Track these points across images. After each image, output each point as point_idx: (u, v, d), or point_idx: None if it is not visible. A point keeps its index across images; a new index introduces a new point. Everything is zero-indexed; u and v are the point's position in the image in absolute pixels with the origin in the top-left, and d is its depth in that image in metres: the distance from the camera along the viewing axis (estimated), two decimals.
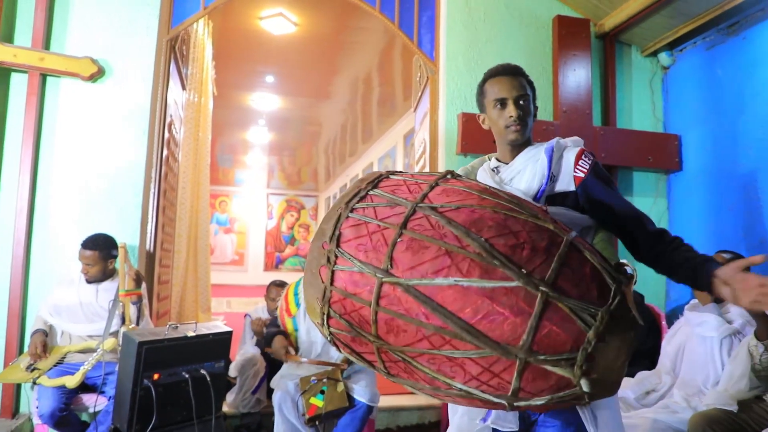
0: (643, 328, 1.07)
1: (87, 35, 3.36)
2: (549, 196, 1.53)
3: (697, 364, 2.67)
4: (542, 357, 0.96)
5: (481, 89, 1.64)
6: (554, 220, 1.11)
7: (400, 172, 1.34)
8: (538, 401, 1.00)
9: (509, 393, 1.00)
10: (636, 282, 1.09)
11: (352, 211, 1.16)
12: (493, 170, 1.63)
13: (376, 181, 1.25)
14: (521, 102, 1.56)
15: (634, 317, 1.00)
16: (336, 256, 1.11)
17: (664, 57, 4.13)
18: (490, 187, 1.22)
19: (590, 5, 3.95)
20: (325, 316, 1.14)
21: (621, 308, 0.98)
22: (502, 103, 1.57)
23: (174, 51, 3.68)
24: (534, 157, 1.56)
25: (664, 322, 3.37)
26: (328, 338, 1.19)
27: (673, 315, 3.67)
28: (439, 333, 0.99)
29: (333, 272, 1.11)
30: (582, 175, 1.51)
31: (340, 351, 1.22)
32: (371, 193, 1.20)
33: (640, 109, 4.18)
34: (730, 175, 3.57)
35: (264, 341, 2.93)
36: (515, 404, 1.02)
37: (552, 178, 1.53)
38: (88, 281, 2.93)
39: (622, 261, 1.07)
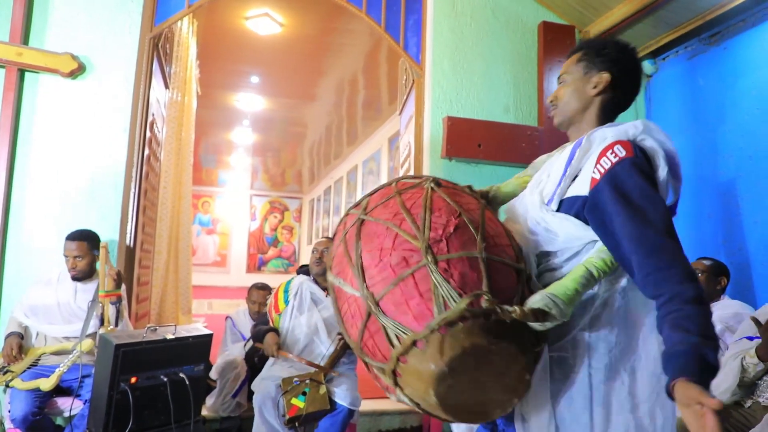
0: (485, 362, 1.03)
1: (67, 30, 3.29)
2: (563, 200, 1.28)
3: None
4: (368, 359, 1.15)
5: None
6: (441, 239, 1.13)
7: (407, 178, 1.41)
8: (392, 397, 1.16)
9: (374, 379, 1.20)
10: (505, 315, 1.01)
11: (345, 215, 1.40)
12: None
13: (377, 190, 1.41)
14: (559, 85, 1.44)
15: (440, 354, 1.01)
16: (362, 220, 1.35)
17: (647, 65, 4.17)
18: (437, 199, 1.25)
19: (575, 12, 3.98)
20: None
21: (429, 339, 1.02)
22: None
23: (157, 49, 3.62)
24: (567, 149, 1.36)
25: None
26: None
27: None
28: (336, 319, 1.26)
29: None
30: (597, 176, 1.19)
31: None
32: (362, 202, 1.40)
33: (623, 116, 4.18)
34: (710, 183, 3.61)
35: (255, 337, 2.93)
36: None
37: (575, 177, 1.27)
38: (76, 277, 2.86)
39: (485, 296, 1.03)
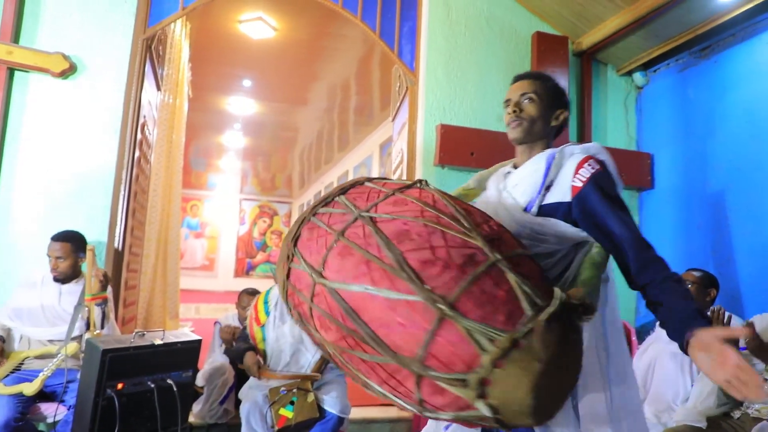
0: (566, 358, 1.02)
1: (59, 30, 3.26)
2: (542, 207, 1.43)
3: (667, 380, 2.70)
4: (434, 373, 0.98)
5: None
6: (496, 237, 1.11)
7: (379, 179, 1.35)
8: (444, 415, 1.03)
9: (416, 402, 1.04)
10: (590, 312, 1.04)
11: (314, 215, 1.24)
12: (504, 176, 1.59)
13: (349, 187, 1.31)
14: (524, 101, 1.54)
15: (539, 348, 0.95)
16: (293, 255, 1.21)
17: (638, 77, 4.22)
18: (452, 199, 1.23)
19: (568, 23, 4.01)
20: (288, 307, 1.27)
21: (530, 338, 0.95)
22: (507, 102, 1.59)
23: (150, 51, 3.60)
24: (538, 163, 1.49)
25: (634, 338, 3.41)
26: (297, 324, 1.29)
27: (643, 330, 3.73)
28: (352, 335, 1.05)
29: (289, 268, 1.22)
30: (579, 184, 1.38)
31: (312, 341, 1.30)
32: (336, 199, 1.27)
33: (615, 127, 4.26)
34: (699, 195, 3.65)
35: (235, 357, 2.87)
36: (424, 414, 1.06)
37: (549, 187, 1.43)
38: (57, 278, 2.81)
39: (556, 289, 1.03)
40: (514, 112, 1.53)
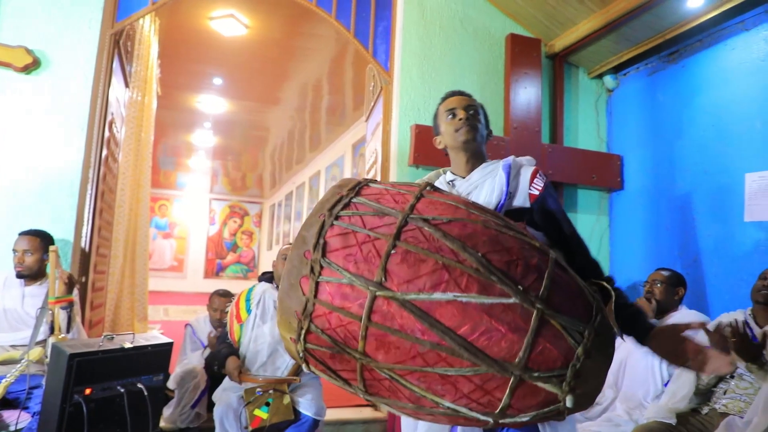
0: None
1: (22, 23, 3.14)
2: (507, 212, 1.55)
3: (638, 378, 2.75)
4: (536, 374, 0.97)
5: (436, 113, 1.76)
6: (534, 237, 1.18)
7: (378, 181, 1.33)
8: (524, 417, 1.02)
9: (497, 410, 1.01)
10: (614, 300, 1.19)
11: (337, 218, 1.10)
12: (449, 183, 1.66)
13: (357, 188, 1.20)
14: (471, 111, 1.65)
15: (613, 333, 1.06)
16: (321, 267, 1.05)
17: (609, 80, 4.29)
18: (473, 202, 1.29)
19: (542, 26, 4.06)
20: (303, 331, 1.07)
21: (602, 325, 1.03)
22: (453, 112, 1.67)
23: (118, 46, 3.50)
24: (492, 172, 1.61)
25: None
26: (301, 354, 1.12)
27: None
28: (435, 350, 0.97)
29: (317, 284, 1.05)
30: (537, 192, 1.57)
31: (309, 368, 1.16)
32: (354, 200, 1.15)
33: (586, 129, 4.32)
34: (667, 196, 3.73)
35: (216, 362, 2.80)
36: (501, 421, 1.04)
37: (509, 194, 1.58)
38: (22, 274, 2.71)
39: (601, 280, 1.14)
40: (467, 118, 1.63)
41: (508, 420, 1.03)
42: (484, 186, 1.60)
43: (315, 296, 1.05)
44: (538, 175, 1.60)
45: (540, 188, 1.58)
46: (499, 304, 0.96)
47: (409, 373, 1.01)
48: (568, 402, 0.99)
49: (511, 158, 1.63)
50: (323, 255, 1.06)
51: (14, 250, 2.72)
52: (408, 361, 1.00)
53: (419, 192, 1.17)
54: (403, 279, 0.99)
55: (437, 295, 0.97)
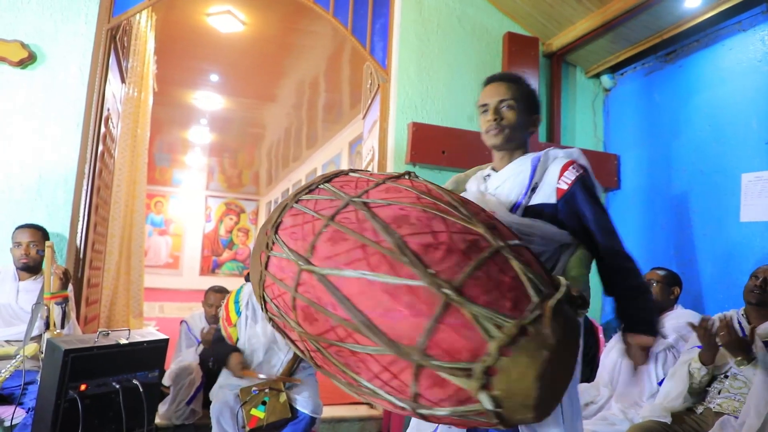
0: (567, 350, 1.01)
1: (17, 17, 3.12)
2: (528, 208, 1.46)
3: (633, 377, 2.76)
4: (436, 362, 0.92)
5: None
6: (494, 226, 1.09)
7: (363, 170, 1.33)
8: (440, 411, 0.96)
9: (409, 397, 0.97)
10: (586, 306, 1.07)
11: (297, 201, 1.19)
12: (484, 178, 1.61)
13: (332, 176, 1.27)
14: (503, 107, 1.54)
15: (557, 337, 0.92)
16: (273, 243, 1.14)
17: (606, 79, 4.30)
18: (444, 188, 1.20)
19: (539, 25, 4.06)
20: (262, 300, 1.20)
21: (537, 324, 0.92)
22: (484, 108, 1.58)
23: (114, 41, 3.48)
24: (521, 166, 1.52)
25: (601, 335, 3.47)
26: (269, 323, 1.23)
27: (608, 327, 3.80)
28: (342, 324, 0.98)
29: (268, 257, 1.15)
30: (565, 187, 1.44)
31: (284, 339, 1.24)
32: (321, 186, 1.22)
33: (583, 128, 4.33)
34: (663, 196, 3.74)
35: (216, 358, 2.80)
36: (418, 411, 0.99)
37: (534, 189, 1.47)
38: (27, 266, 2.72)
39: (560, 278, 1.05)
40: (495, 119, 1.53)
41: (425, 411, 0.98)
42: (510, 181, 1.52)
43: (266, 268, 1.15)
44: (570, 168, 1.45)
45: (569, 182, 1.43)
46: (404, 286, 0.94)
47: (329, 346, 1.04)
48: (485, 402, 0.91)
49: (546, 150, 1.54)
50: (275, 232, 1.15)
51: (18, 243, 2.73)
52: (326, 334, 1.03)
53: (383, 179, 1.18)
54: (324, 255, 1.03)
55: (348, 272, 0.99)
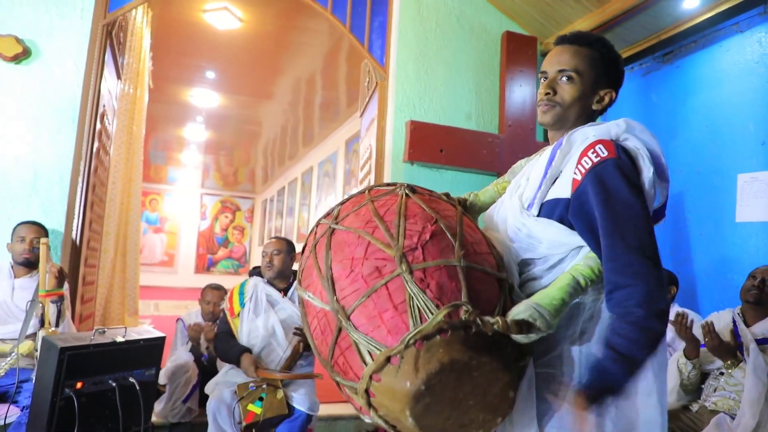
0: (465, 377, 0.95)
1: (11, 11, 3.09)
2: (543, 204, 1.23)
3: None
4: (338, 378, 1.07)
5: None
6: (414, 248, 1.06)
7: (387, 185, 1.35)
8: (367, 419, 1.07)
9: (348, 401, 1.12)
10: (506, 332, 0.97)
11: (317, 225, 1.36)
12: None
13: (351, 198, 1.36)
14: (562, 79, 1.26)
15: (418, 370, 0.92)
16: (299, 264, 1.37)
17: None
18: (413, 205, 1.20)
19: (537, 24, 4.06)
20: None
21: (406, 355, 0.93)
22: (543, 76, 1.32)
23: (110, 37, 3.46)
24: (549, 150, 1.27)
25: None
26: None
27: None
28: (307, 335, 1.20)
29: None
30: (579, 177, 1.14)
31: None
32: (334, 211, 1.36)
33: None
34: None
35: (223, 356, 2.77)
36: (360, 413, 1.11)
37: (555, 179, 1.22)
38: (30, 261, 2.72)
39: (464, 308, 0.95)
40: (547, 94, 1.27)
41: (362, 416, 1.08)
42: (537, 171, 1.28)
43: (300, 283, 1.30)
44: (590, 152, 1.13)
45: (583, 171, 1.13)
46: (323, 309, 1.10)
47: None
48: (377, 420, 1.02)
49: (576, 129, 1.24)
50: (302, 252, 1.34)
51: (22, 238, 2.72)
52: (307, 331, 1.21)
53: (368, 200, 1.26)
54: (303, 277, 1.23)
55: (305, 294, 1.18)
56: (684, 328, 2.48)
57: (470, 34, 4.03)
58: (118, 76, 4.23)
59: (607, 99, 1.29)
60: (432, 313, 0.95)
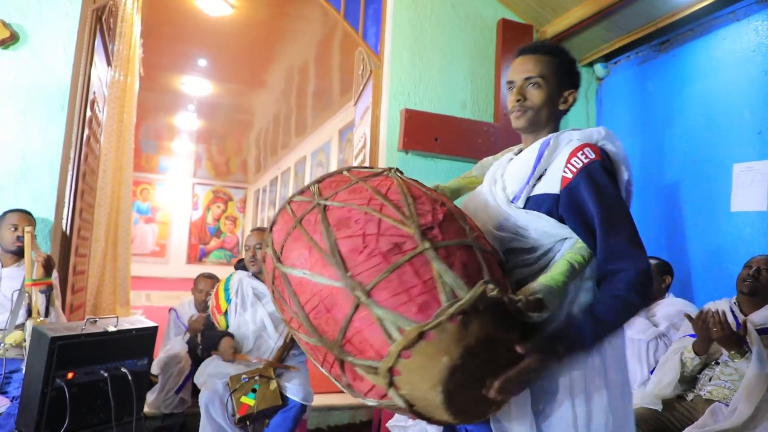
0: (493, 352, 1.02)
1: None
2: (529, 198, 1.32)
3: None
4: (351, 358, 1.01)
5: None
6: (431, 227, 1.07)
7: (361, 167, 1.34)
8: (370, 402, 1.06)
9: (344, 384, 1.08)
10: (536, 308, 1.02)
11: (289, 203, 1.28)
12: (508, 162, 1.47)
13: (327, 176, 1.33)
14: (529, 86, 1.40)
15: (463, 341, 0.94)
16: (268, 240, 1.27)
17: (599, 68, 4.28)
18: (411, 187, 1.21)
19: (533, 11, 4.02)
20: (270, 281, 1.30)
21: (440, 330, 0.94)
22: (510, 86, 1.44)
23: (100, 23, 3.39)
24: (535, 149, 1.36)
25: None
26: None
27: None
28: (295, 317, 1.11)
29: (265, 254, 1.29)
30: (570, 176, 1.25)
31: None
32: (310, 187, 1.29)
33: (575, 117, 4.31)
34: (655, 185, 3.75)
35: (207, 344, 2.77)
36: (355, 398, 1.09)
37: (540, 176, 1.32)
38: (21, 249, 2.63)
39: (490, 285, 0.96)
40: (518, 101, 1.40)
41: (360, 399, 1.07)
42: (521, 168, 1.38)
43: (263, 261, 1.37)
44: (579, 154, 1.25)
45: (574, 170, 1.24)
46: (329, 286, 1.04)
47: (295, 333, 1.18)
48: (395, 399, 0.99)
49: (561, 131, 1.36)
50: (270, 231, 1.29)
51: (14, 225, 2.67)
52: (290, 322, 1.16)
53: (357, 179, 1.23)
54: (286, 255, 1.16)
55: (296, 271, 1.11)
56: (705, 326, 2.43)
57: (466, 22, 3.99)
58: (109, 63, 4.16)
59: (570, 99, 1.44)
60: (459, 289, 0.98)
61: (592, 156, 1.25)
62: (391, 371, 0.96)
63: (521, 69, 1.41)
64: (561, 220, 1.27)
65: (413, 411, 1.01)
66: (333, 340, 1.03)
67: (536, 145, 1.36)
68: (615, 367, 1.26)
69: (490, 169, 1.49)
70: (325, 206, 1.16)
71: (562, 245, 1.28)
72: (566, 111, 1.45)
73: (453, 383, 0.95)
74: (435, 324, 0.93)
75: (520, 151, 1.47)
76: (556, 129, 1.43)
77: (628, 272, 1.16)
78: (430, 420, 1.03)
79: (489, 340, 0.98)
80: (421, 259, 1.01)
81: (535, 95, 1.39)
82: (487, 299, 0.96)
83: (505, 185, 1.38)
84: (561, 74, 1.41)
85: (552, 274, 1.16)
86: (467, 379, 0.98)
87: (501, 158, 1.52)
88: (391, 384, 0.98)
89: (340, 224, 1.11)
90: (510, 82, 1.44)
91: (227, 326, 2.78)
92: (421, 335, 0.93)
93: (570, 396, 1.21)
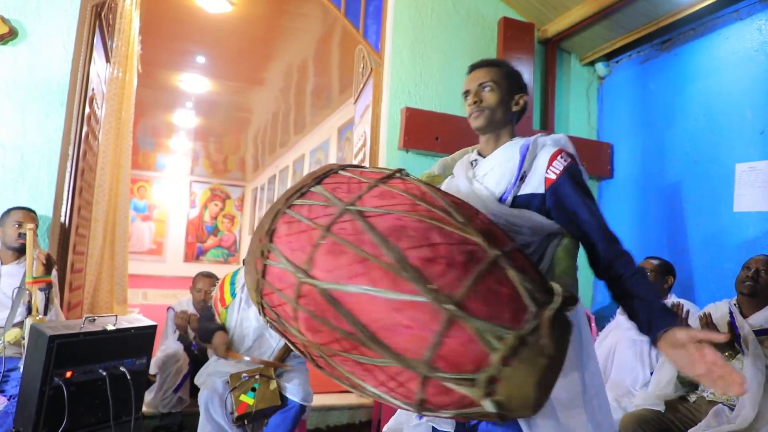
0: (560, 350, 1.05)
1: None
2: (516, 198, 1.46)
3: (626, 366, 2.76)
4: (441, 374, 0.95)
5: None
6: (489, 232, 1.09)
7: (353, 166, 1.29)
8: (445, 414, 1.02)
9: (415, 402, 1.01)
10: (576, 303, 1.08)
11: (289, 207, 1.17)
12: (471, 164, 1.59)
13: (322, 176, 1.23)
14: (483, 91, 1.55)
15: (551, 344, 0.95)
16: (269, 251, 1.13)
17: (600, 67, 4.27)
18: (437, 190, 1.19)
19: (535, 10, 4.01)
20: (260, 306, 1.19)
21: (535, 334, 0.95)
22: (466, 95, 1.59)
23: (99, 19, 3.36)
24: (509, 153, 1.51)
25: (594, 325, 3.47)
26: (268, 325, 1.23)
27: (598, 316, 3.81)
28: (348, 338, 1.01)
29: (265, 266, 1.13)
30: (553, 177, 1.43)
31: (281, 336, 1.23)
32: (312, 189, 1.19)
33: (577, 116, 4.31)
34: (656, 185, 3.74)
35: (202, 336, 2.75)
36: (422, 413, 1.04)
37: (522, 177, 1.46)
38: (24, 246, 2.60)
39: (554, 285, 1.05)
40: (475, 102, 1.54)
41: (429, 413, 1.04)
42: (498, 168, 1.52)
43: (263, 276, 1.13)
44: (558, 157, 1.45)
45: (557, 172, 1.43)
46: (408, 302, 0.96)
47: (335, 355, 1.06)
48: (488, 407, 0.95)
49: (534, 137, 1.53)
50: (270, 240, 1.14)
51: (18, 222, 2.64)
52: (331, 344, 1.04)
53: (375, 181, 1.17)
54: (324, 269, 1.03)
55: (350, 287, 0.99)
56: (679, 319, 2.46)
57: (466, 20, 3.98)
58: (107, 60, 4.13)
59: (522, 102, 1.58)
60: (537, 293, 1.00)
61: (569, 160, 1.45)
62: (491, 380, 0.94)
63: (475, 79, 1.57)
64: (548, 216, 1.43)
65: (499, 414, 0.98)
66: (418, 358, 0.96)
67: (512, 148, 1.52)
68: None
69: (458, 169, 1.62)
70: (361, 212, 1.08)
71: (549, 241, 1.44)
72: (521, 113, 1.60)
73: (544, 381, 0.98)
74: (533, 328, 0.95)
75: (480, 153, 1.61)
76: (513, 130, 1.58)
77: (628, 256, 1.38)
78: (505, 419, 1.02)
79: (562, 336, 1.03)
80: (498, 267, 1.01)
81: (489, 97, 1.54)
82: (564, 300, 1.01)
83: (485, 186, 1.50)
84: (510, 80, 1.57)
85: (565, 267, 1.29)
86: (548, 375, 1.01)
87: (461, 159, 1.66)
88: (488, 393, 0.95)
89: (394, 234, 1.03)
90: (466, 92, 1.59)
91: (227, 320, 2.76)
92: (522, 341, 0.93)
93: (575, 369, 1.39)
